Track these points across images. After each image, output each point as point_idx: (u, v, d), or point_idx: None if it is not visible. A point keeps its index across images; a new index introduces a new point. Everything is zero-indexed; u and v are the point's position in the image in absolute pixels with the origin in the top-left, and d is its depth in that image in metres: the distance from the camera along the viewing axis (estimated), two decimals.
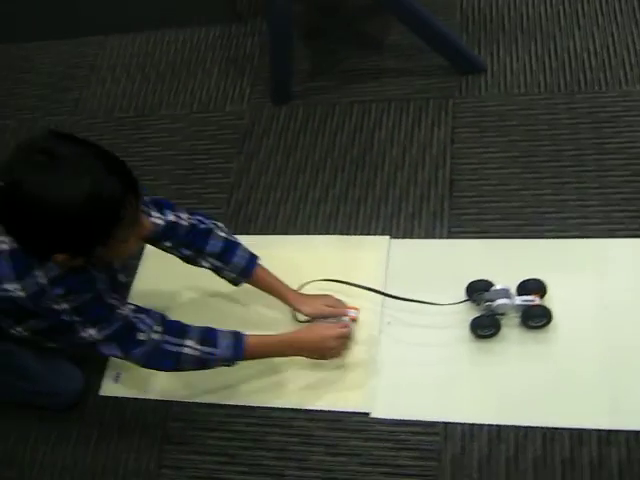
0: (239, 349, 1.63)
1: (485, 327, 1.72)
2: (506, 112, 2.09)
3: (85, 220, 1.33)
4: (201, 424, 1.75)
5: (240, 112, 2.30)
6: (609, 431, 1.57)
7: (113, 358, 1.80)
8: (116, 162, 1.36)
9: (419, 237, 1.92)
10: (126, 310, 1.56)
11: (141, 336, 1.56)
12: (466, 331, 1.74)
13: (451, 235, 1.90)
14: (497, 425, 1.62)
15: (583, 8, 2.27)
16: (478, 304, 1.75)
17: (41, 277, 1.43)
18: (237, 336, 1.64)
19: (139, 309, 1.59)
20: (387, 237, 1.93)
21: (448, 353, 1.74)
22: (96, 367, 1.85)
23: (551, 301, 1.72)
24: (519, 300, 1.70)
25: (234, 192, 2.11)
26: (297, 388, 1.75)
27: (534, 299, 1.70)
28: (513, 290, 1.72)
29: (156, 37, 2.62)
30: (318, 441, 1.68)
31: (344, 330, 1.73)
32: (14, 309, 1.53)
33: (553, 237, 1.83)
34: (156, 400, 1.80)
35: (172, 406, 1.79)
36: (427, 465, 1.60)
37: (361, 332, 1.79)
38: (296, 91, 2.28)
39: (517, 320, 1.73)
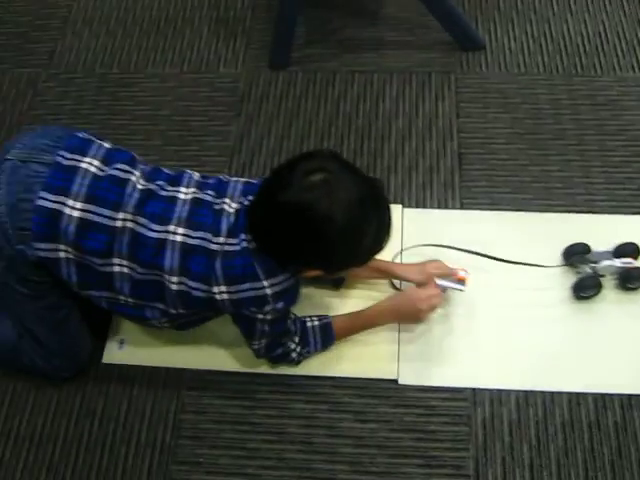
0: (329, 341, 1.69)
1: (589, 288, 1.75)
2: (508, 90, 2.14)
3: (368, 239, 1.38)
4: (218, 392, 1.69)
5: (235, 75, 2.22)
6: (630, 396, 1.65)
7: (116, 321, 1.76)
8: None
9: (431, 207, 1.93)
10: (290, 319, 1.60)
11: (284, 339, 1.60)
12: (500, 297, 1.77)
13: (464, 206, 1.92)
14: (524, 391, 1.66)
15: None
16: (577, 266, 1.78)
17: (267, 289, 1.41)
18: (325, 328, 1.67)
19: (293, 315, 1.62)
20: (399, 206, 1.93)
21: (477, 320, 1.75)
22: (96, 332, 1.73)
23: None
24: (619, 262, 1.75)
25: (235, 156, 2.04)
26: (320, 355, 1.71)
27: (632, 261, 1.76)
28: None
29: None
30: (346, 408, 1.65)
31: (433, 291, 1.69)
32: (194, 307, 1.51)
33: (562, 211, 1.89)
34: (167, 368, 1.72)
35: (185, 374, 1.71)
36: (459, 430, 1.62)
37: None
38: (293, 57, 2.22)
39: (614, 282, 1.78)
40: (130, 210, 1.42)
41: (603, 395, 1.65)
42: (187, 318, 1.58)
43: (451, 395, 1.66)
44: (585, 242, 1.80)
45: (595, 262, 1.76)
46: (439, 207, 1.92)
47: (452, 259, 1.77)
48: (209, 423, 1.65)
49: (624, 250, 1.78)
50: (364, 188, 1.35)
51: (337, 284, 1.79)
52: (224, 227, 1.42)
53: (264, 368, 1.70)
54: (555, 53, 2.20)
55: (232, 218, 1.43)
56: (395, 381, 1.68)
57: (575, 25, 2.26)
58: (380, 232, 1.40)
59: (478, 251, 1.80)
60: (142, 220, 1.42)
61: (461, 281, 1.72)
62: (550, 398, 1.65)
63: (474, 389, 1.67)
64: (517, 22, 2.28)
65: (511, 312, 1.76)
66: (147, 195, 1.44)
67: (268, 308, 1.45)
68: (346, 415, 1.65)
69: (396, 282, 1.79)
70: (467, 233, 1.86)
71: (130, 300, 1.50)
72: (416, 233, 1.86)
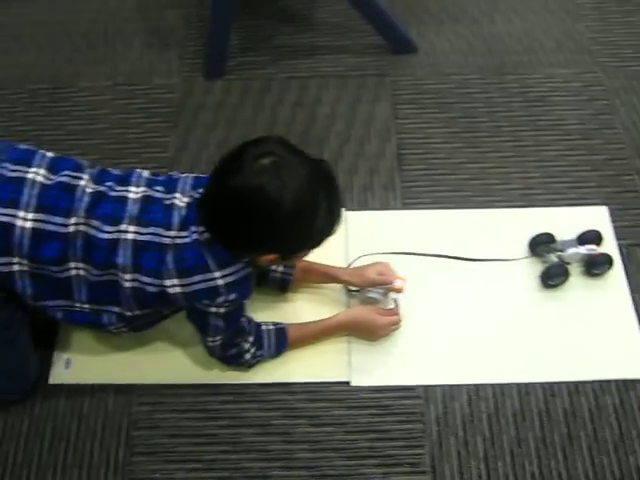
0: (282, 346, 1.69)
1: (556, 276, 1.80)
2: (443, 90, 2.18)
3: (319, 219, 1.39)
4: (170, 406, 1.66)
5: (170, 86, 2.20)
6: (577, 382, 1.69)
7: (61, 340, 1.72)
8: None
9: (373, 209, 1.94)
10: (245, 317, 1.59)
11: (238, 339, 1.59)
12: (460, 294, 1.80)
13: (406, 206, 1.95)
14: (475, 384, 1.68)
15: None
16: (543, 256, 1.83)
17: (219, 279, 1.41)
18: (280, 333, 1.67)
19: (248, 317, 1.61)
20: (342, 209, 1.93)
21: (429, 319, 1.77)
22: (40, 351, 1.68)
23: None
24: (584, 249, 1.80)
25: (174, 167, 2.01)
26: (271, 361, 1.70)
27: (596, 248, 1.81)
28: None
29: (64, 4, 2.44)
30: (300, 413, 1.65)
31: (394, 318, 1.72)
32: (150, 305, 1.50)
33: (502, 207, 1.93)
34: (116, 385, 1.68)
35: (135, 390, 1.68)
36: (413, 428, 1.63)
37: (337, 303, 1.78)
38: (228, 66, 2.21)
39: (580, 269, 1.83)
40: (82, 214, 1.41)
41: (551, 383, 1.68)
42: (143, 320, 1.58)
43: (404, 393, 1.67)
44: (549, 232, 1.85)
45: (561, 250, 1.81)
46: (381, 208, 1.94)
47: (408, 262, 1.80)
48: (163, 438, 1.62)
49: (587, 237, 1.83)
50: (312, 169, 1.37)
51: (283, 288, 1.79)
52: (175, 221, 1.42)
53: (216, 378, 1.68)
54: (485, 52, 2.26)
55: (183, 212, 1.43)
56: (347, 383, 1.68)
57: (503, 24, 2.33)
58: (331, 212, 1.42)
59: (440, 253, 1.83)
60: (95, 223, 1.42)
61: (397, 291, 1.74)
62: (500, 390, 1.67)
63: (426, 386, 1.68)
64: (447, 24, 2.34)
65: (471, 307, 1.79)
66: (97, 197, 1.44)
67: (220, 300, 1.45)
68: (301, 420, 1.64)
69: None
70: (417, 233, 1.89)
71: (86, 306, 1.49)
72: (361, 235, 1.88)
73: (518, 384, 1.68)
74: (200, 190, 1.45)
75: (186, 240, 1.41)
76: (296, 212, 1.34)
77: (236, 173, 1.33)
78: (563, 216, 1.91)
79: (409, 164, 2.02)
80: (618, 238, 1.87)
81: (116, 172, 1.53)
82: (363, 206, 1.94)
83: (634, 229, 1.90)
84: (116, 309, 1.50)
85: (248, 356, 1.64)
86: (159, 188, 1.48)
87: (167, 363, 1.71)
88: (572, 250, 1.80)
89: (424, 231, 1.89)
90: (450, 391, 1.67)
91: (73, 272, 1.44)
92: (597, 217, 1.91)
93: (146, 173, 1.53)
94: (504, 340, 1.75)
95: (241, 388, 1.68)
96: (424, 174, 2.00)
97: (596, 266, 1.82)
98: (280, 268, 1.75)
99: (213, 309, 1.48)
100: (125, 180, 1.50)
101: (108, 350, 1.71)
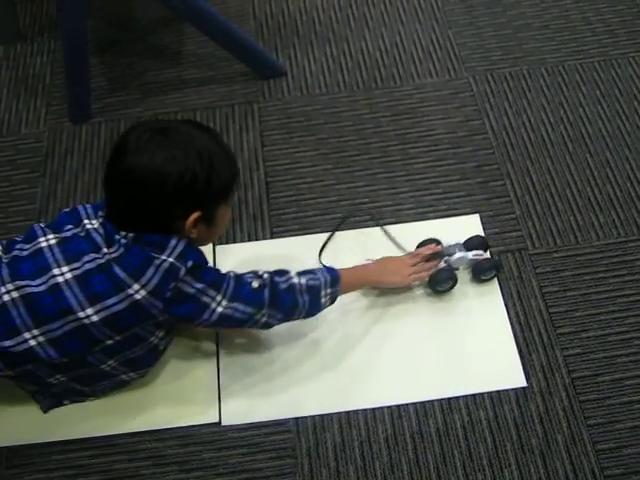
0: (334, 271, 1.65)
1: (444, 281, 1.77)
2: (311, 112, 2.15)
3: (218, 162, 1.44)
4: (40, 466, 1.61)
5: (38, 134, 2.16)
6: (450, 398, 1.66)
7: None
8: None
9: (242, 241, 1.91)
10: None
11: (255, 283, 1.55)
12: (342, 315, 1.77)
13: (274, 235, 1.92)
14: (346, 412, 1.65)
15: (370, 11, 2.40)
16: None
17: (168, 258, 1.42)
18: (327, 268, 1.68)
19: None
20: (209, 245, 1.91)
21: (288, 351, 1.74)
22: None
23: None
24: (470, 255, 1.78)
25: (42, 218, 1.98)
26: (138, 410, 1.67)
27: (482, 253, 1.79)
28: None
29: None
30: (170, 460, 1.61)
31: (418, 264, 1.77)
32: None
33: (372, 226, 1.91)
34: None
35: (2, 453, 1.63)
36: (284, 463, 1.60)
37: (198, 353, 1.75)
38: (95, 108, 2.19)
39: (468, 275, 1.82)
40: (8, 281, 1.43)
41: (424, 402, 1.65)
42: (131, 349, 1.55)
43: (274, 429, 1.64)
44: (435, 237, 1.83)
45: (448, 255, 1.78)
46: (249, 240, 1.91)
47: None
48: None
49: (473, 243, 1.81)
50: (191, 126, 1.48)
51: None
52: (100, 240, 1.43)
53: (83, 432, 1.63)
54: (355, 70, 2.23)
55: (101, 231, 1.44)
56: (218, 424, 1.64)
57: (373, 40, 2.31)
58: (226, 153, 1.48)
59: None
60: (23, 282, 1.42)
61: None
62: (372, 415, 1.64)
63: (297, 419, 1.65)
64: (316, 44, 2.31)
65: (352, 331, 1.75)
66: (15, 262, 1.46)
67: (182, 273, 1.43)
68: (171, 467, 1.60)
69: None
70: (289, 261, 1.78)
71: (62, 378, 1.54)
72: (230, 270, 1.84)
73: (390, 407, 1.65)
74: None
75: (120, 251, 1.41)
76: (195, 157, 1.39)
77: (125, 158, 1.38)
78: (436, 229, 1.88)
79: (277, 191, 1.99)
80: (490, 246, 1.86)
81: (19, 238, 1.54)
82: (231, 239, 1.91)
83: (504, 235, 1.88)
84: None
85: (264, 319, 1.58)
86: (65, 227, 1.49)
87: (32, 422, 1.66)
88: (459, 254, 1.77)
89: (296, 259, 1.84)
90: (321, 422, 1.64)
91: (32, 342, 1.44)
92: (469, 226, 1.88)
93: (43, 224, 1.54)
94: (382, 362, 1.71)
95: (110, 440, 1.63)
96: (293, 200, 1.97)
97: (483, 272, 1.79)
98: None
99: (183, 285, 1.45)
100: (30, 237, 1.51)
101: None
